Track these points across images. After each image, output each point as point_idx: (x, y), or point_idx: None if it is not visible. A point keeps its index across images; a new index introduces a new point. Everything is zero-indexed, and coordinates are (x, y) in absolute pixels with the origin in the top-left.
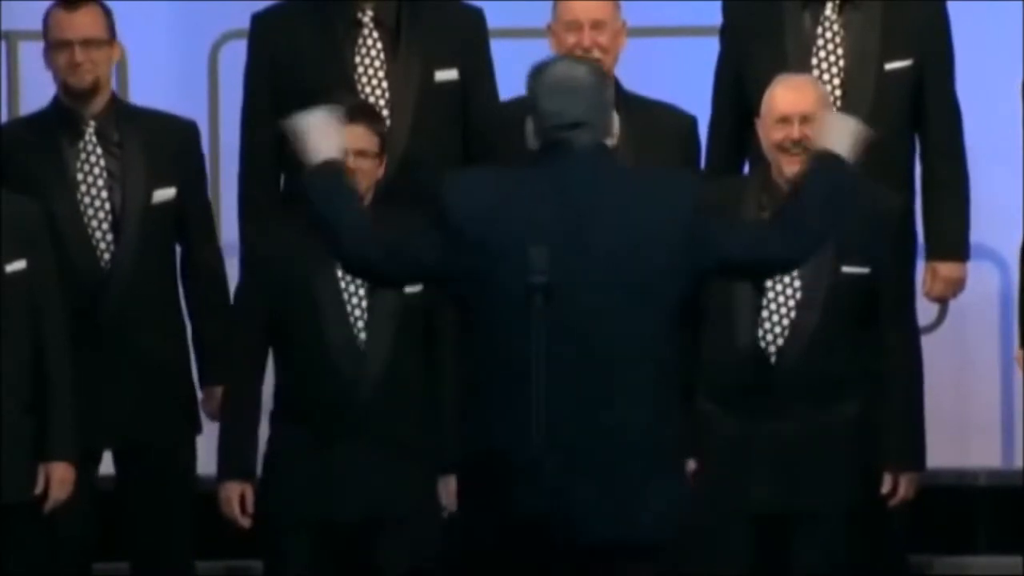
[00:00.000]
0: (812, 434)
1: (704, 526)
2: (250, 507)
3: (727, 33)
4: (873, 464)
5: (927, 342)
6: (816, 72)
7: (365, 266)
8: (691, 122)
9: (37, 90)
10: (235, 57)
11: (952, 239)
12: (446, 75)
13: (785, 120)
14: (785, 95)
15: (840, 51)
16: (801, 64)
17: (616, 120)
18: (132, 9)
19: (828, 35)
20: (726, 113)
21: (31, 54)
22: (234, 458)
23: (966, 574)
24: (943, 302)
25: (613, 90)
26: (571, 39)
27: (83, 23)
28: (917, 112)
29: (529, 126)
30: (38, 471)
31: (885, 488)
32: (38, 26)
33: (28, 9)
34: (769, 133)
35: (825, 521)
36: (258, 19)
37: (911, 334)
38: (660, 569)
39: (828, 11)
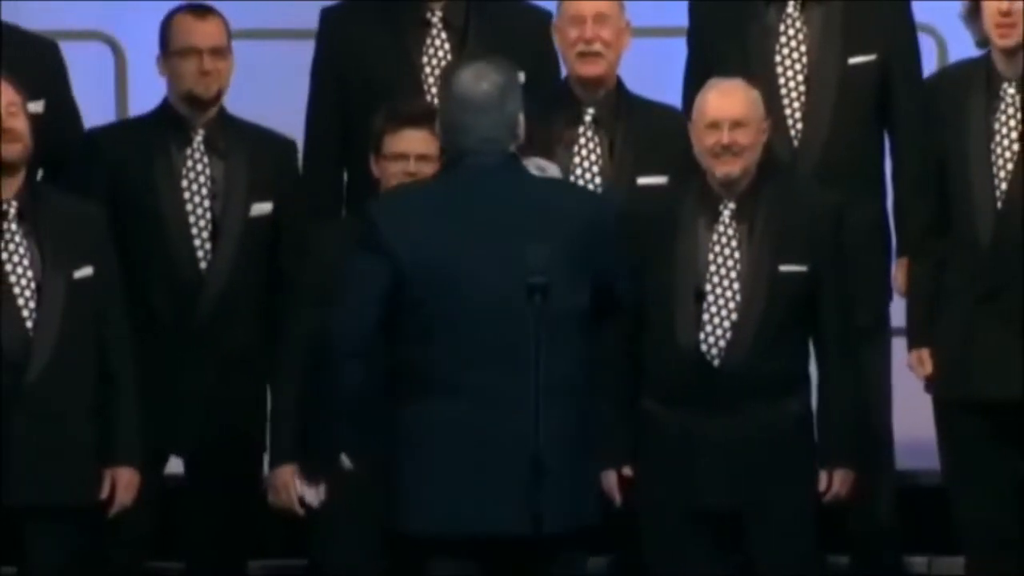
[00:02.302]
0: (758, 432)
1: (662, 527)
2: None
3: (694, 35)
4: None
5: None
6: (780, 69)
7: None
8: None
9: None
10: (235, 57)
11: None
12: None
13: (715, 125)
14: (715, 100)
15: (803, 48)
16: (765, 62)
17: (520, 120)
18: (132, 9)
19: (791, 32)
20: None
21: None
22: (289, 444)
23: (965, 574)
24: None
25: (519, 93)
26: (574, 33)
27: (212, 32)
28: (884, 108)
29: (437, 126)
30: (104, 475)
31: (821, 486)
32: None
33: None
34: (700, 138)
35: (777, 518)
36: (327, 16)
37: (851, 333)
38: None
39: (790, 8)
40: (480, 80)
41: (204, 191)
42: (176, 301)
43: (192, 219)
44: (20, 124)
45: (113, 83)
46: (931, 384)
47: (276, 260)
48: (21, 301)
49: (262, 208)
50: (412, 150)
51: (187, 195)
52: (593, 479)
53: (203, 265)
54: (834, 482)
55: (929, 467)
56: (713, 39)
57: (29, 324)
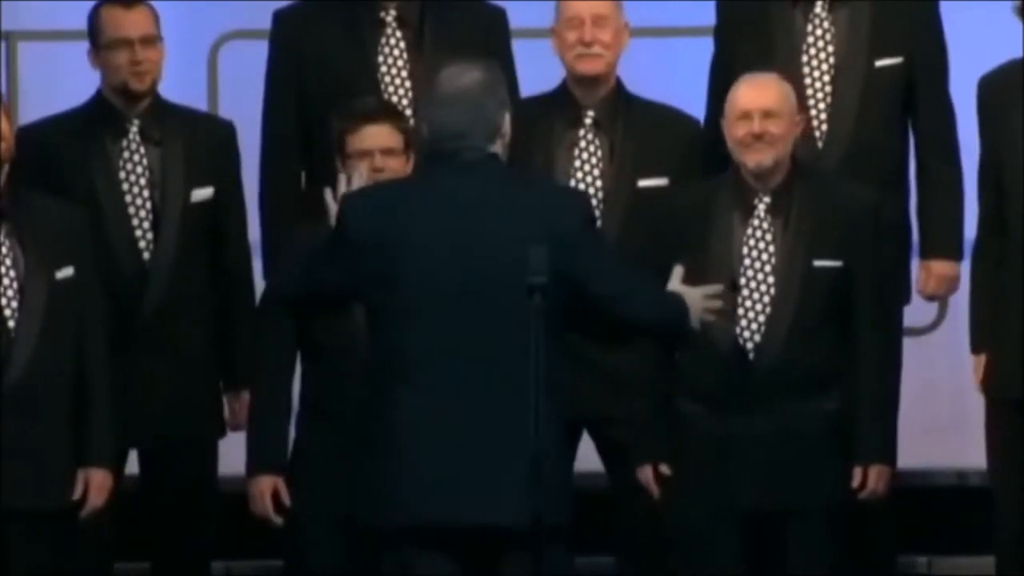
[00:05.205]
0: (794, 430)
1: (692, 528)
2: (285, 501)
3: (720, 33)
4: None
5: (927, 342)
6: (807, 69)
7: (288, 300)
8: (695, 125)
9: (37, 90)
10: (235, 57)
11: (945, 237)
12: None
13: (746, 116)
14: (746, 92)
15: (831, 48)
16: (791, 62)
17: (505, 121)
18: None
19: (818, 32)
20: (720, 112)
21: (31, 54)
22: (266, 451)
23: (965, 574)
24: (935, 300)
25: (503, 93)
26: (572, 36)
27: (141, 21)
28: (910, 110)
29: (423, 131)
30: (76, 477)
31: (856, 482)
32: (38, 26)
33: (28, 9)
34: (732, 130)
35: (811, 518)
36: (281, 18)
37: (889, 329)
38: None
39: (818, 8)
40: (461, 75)
41: (143, 181)
42: (121, 293)
43: (132, 210)
44: (4, 125)
45: None
46: (984, 386)
47: (219, 254)
48: (3, 301)
49: (203, 193)
50: (376, 145)
51: (125, 186)
52: (553, 477)
53: (146, 256)
54: (870, 478)
55: (931, 467)
56: (739, 38)
57: (11, 324)
